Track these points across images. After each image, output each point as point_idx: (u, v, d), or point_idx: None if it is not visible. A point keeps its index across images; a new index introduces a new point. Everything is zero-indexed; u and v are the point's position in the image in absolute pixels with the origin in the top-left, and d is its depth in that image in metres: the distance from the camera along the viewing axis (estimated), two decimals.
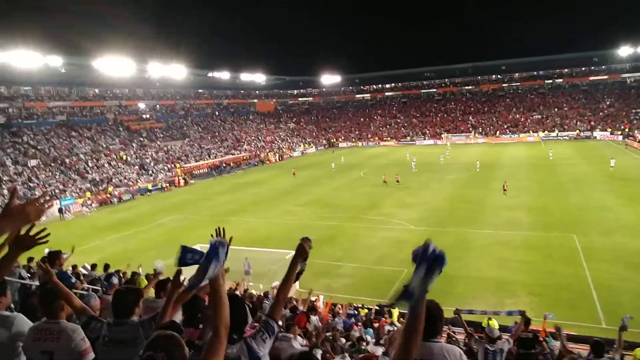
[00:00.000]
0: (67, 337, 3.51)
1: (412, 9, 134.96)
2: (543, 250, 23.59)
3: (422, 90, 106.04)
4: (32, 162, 47.76)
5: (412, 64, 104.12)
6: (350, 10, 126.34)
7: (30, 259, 11.71)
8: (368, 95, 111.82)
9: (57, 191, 43.38)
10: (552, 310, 16.73)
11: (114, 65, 60.93)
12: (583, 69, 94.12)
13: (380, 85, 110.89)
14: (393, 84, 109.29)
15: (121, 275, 13.91)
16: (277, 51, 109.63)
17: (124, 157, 56.14)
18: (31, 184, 43.60)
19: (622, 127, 72.09)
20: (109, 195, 45.57)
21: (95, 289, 11.14)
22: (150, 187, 50.40)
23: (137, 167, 55.27)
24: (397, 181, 43.09)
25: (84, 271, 15.62)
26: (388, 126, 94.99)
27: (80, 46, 60.43)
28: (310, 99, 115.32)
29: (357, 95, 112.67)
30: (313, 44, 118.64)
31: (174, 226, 33.69)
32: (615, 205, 31.49)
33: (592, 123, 77.60)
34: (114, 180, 49.73)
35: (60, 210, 39.31)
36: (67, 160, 50.54)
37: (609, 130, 73.36)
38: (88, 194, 44.50)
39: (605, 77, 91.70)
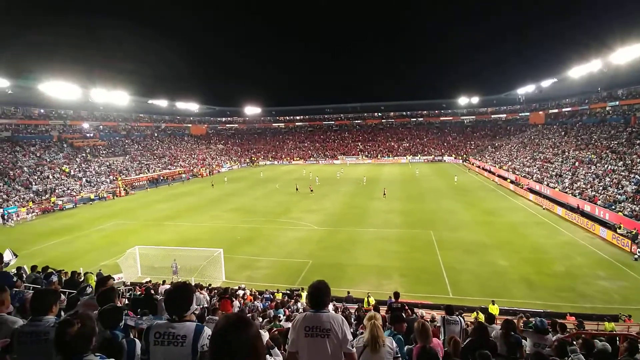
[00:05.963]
0: None
1: (317, 62, 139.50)
2: (409, 242, 24.84)
3: (324, 122, 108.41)
4: None
5: (316, 101, 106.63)
6: (272, 57, 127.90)
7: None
8: (282, 124, 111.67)
9: (0, 200, 37.41)
10: (415, 287, 18.03)
11: (60, 89, 53.54)
12: (436, 111, 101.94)
13: (292, 117, 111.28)
14: (302, 116, 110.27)
15: (62, 275, 12.41)
16: (209, 85, 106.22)
17: (67, 170, 49.79)
18: None
19: (462, 154, 79.73)
20: (51, 205, 40.10)
21: (36, 287, 10.03)
22: (92, 197, 44.98)
23: (80, 179, 49.19)
24: (311, 190, 44.90)
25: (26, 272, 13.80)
26: (297, 149, 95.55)
27: (28, 71, 53.21)
28: (236, 125, 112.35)
29: (273, 124, 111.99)
30: (240, 82, 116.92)
31: (114, 230, 30.42)
32: (458, 209, 33.95)
33: (442, 150, 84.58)
34: (57, 191, 43.60)
35: (2, 217, 34.08)
36: (11, 172, 43.63)
37: (454, 155, 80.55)
38: (31, 203, 38.76)
39: (450, 118, 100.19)
